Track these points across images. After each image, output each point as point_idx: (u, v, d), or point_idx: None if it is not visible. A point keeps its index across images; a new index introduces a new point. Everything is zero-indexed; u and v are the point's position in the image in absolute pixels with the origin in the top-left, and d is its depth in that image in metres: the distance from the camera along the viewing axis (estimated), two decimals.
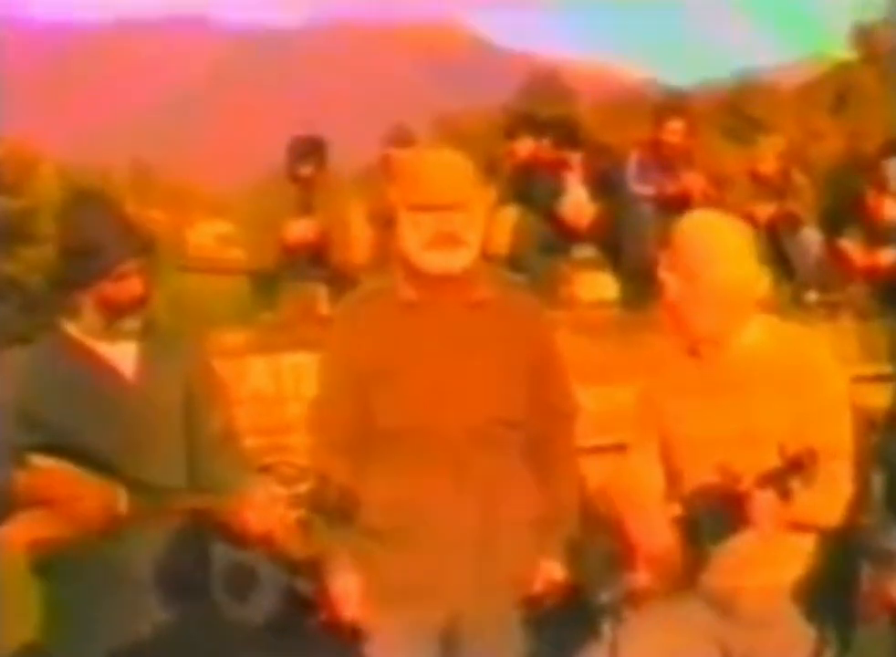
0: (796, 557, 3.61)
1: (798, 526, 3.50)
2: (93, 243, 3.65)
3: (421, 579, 3.71)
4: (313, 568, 6.18)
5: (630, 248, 8.63)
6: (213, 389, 3.95)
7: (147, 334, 3.79)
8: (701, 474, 3.58)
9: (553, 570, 3.88)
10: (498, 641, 3.79)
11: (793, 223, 8.28)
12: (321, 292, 8.83)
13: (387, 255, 8.80)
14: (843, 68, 43.79)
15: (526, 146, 9.13)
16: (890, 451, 3.62)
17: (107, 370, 3.71)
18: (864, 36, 44.26)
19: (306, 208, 8.73)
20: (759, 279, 3.65)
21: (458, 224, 3.72)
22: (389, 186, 8.88)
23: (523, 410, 3.82)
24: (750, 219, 8.60)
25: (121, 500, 3.39)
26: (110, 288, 3.66)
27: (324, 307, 8.75)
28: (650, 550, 3.57)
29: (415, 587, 3.71)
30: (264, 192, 9.17)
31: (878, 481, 3.72)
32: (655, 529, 3.58)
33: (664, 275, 3.65)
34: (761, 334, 3.71)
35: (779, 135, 9.17)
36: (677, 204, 8.69)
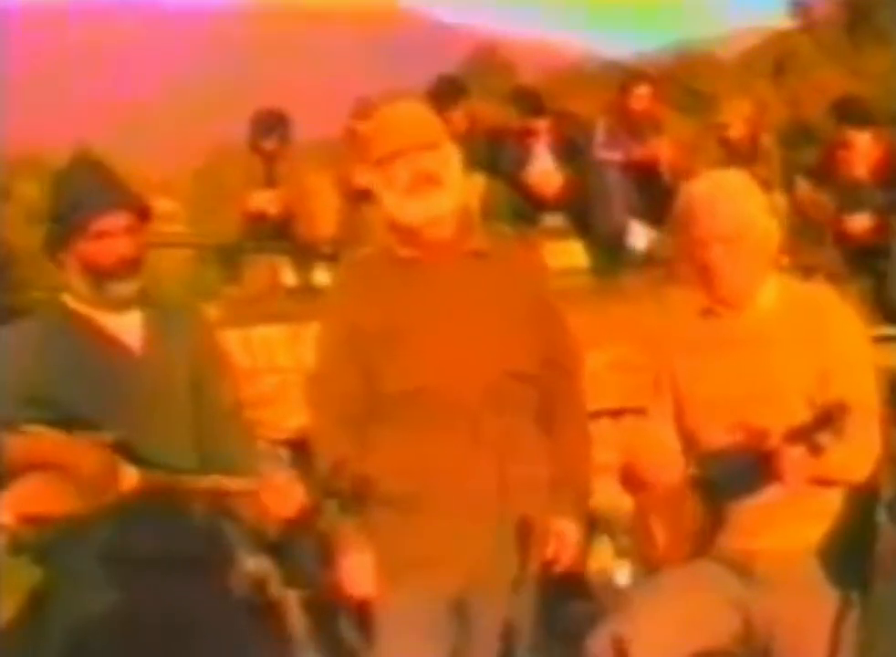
0: (815, 518, 3.58)
1: (827, 482, 3.48)
2: (69, 197, 3.59)
3: (438, 546, 3.62)
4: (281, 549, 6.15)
5: (598, 215, 8.59)
6: (220, 362, 3.85)
7: (147, 303, 3.69)
8: (718, 434, 3.56)
9: (566, 530, 3.79)
10: (519, 604, 3.70)
11: (763, 187, 8.24)
12: (285, 264, 8.78)
13: (352, 227, 8.80)
14: (781, 37, 43.99)
15: (461, 114, 9.00)
16: None
17: (113, 344, 3.61)
18: (801, 5, 44.53)
19: (269, 181, 8.68)
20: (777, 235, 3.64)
21: (431, 162, 3.66)
22: (353, 158, 8.93)
23: (533, 362, 3.75)
24: None
25: (131, 477, 3.30)
26: (92, 247, 3.56)
27: (289, 280, 8.70)
28: (661, 489, 3.57)
29: (431, 554, 3.63)
30: (227, 165, 9.08)
31: None
32: (665, 469, 3.61)
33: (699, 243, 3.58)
34: (778, 292, 3.68)
35: (743, 99, 9.11)
36: (645, 170, 8.68)
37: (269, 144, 8.67)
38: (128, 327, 3.65)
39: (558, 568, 3.78)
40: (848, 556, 3.55)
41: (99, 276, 3.57)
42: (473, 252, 3.72)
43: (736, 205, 3.59)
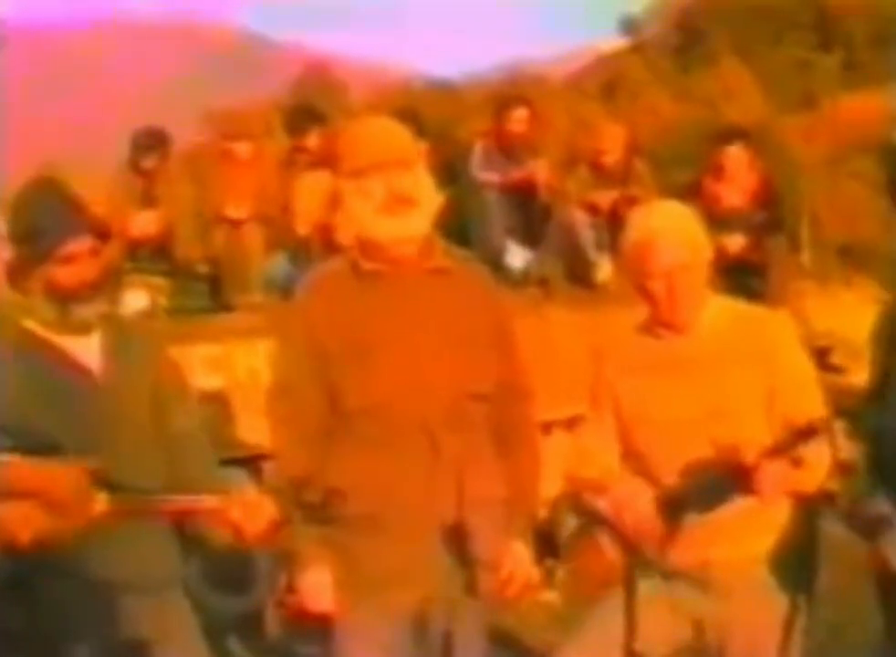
0: (765, 527, 3.72)
1: (796, 494, 3.64)
2: (34, 223, 3.56)
3: (396, 565, 3.64)
4: None
5: (477, 236, 8.72)
6: (179, 383, 3.86)
7: (107, 326, 3.68)
8: (670, 453, 3.67)
9: (520, 551, 3.82)
10: (470, 622, 3.77)
11: (636, 207, 8.46)
12: (163, 285, 8.74)
13: (229, 246, 8.86)
14: (611, 58, 44.74)
15: (316, 139, 9.11)
16: (870, 421, 3.76)
17: (74, 368, 3.60)
18: (631, 26, 45.34)
19: (149, 201, 8.67)
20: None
21: (407, 181, 3.67)
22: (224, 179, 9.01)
23: (490, 382, 3.78)
24: (591, 207, 8.85)
25: (100, 501, 3.30)
26: (59, 272, 3.54)
27: (165, 301, 8.66)
28: (633, 525, 3.66)
29: (389, 573, 3.65)
30: (110, 185, 9.03)
31: (857, 449, 3.86)
32: (637, 503, 3.67)
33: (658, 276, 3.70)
34: (716, 312, 3.81)
35: (620, 126, 9.35)
36: (522, 191, 8.87)
37: (149, 163, 8.69)
38: (88, 350, 3.63)
39: (512, 589, 3.81)
40: (795, 562, 3.71)
41: (64, 299, 3.56)
42: (435, 269, 3.75)
43: (692, 233, 3.75)
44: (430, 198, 3.73)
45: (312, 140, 9.07)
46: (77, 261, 3.57)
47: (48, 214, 3.57)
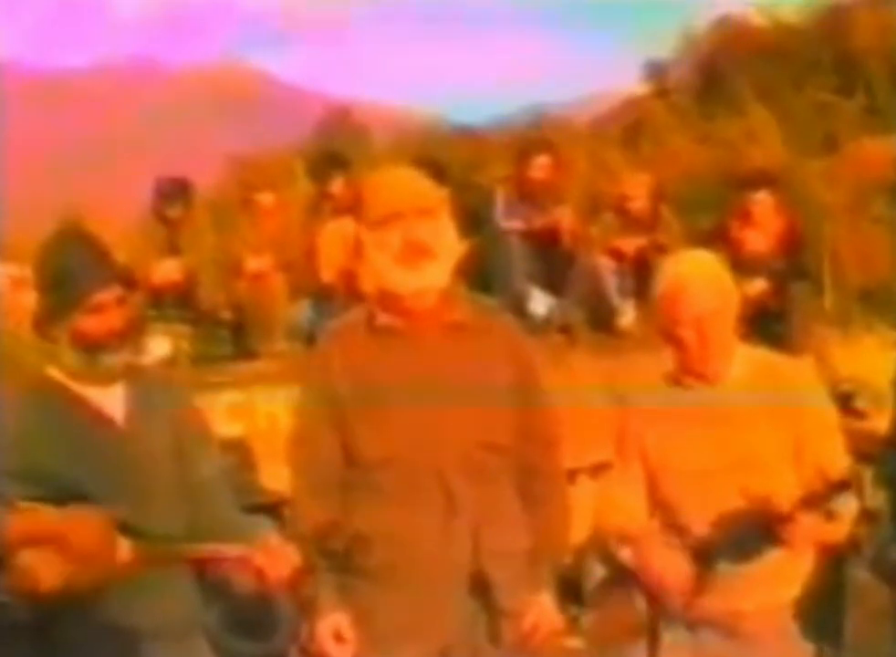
0: (793, 576, 3.72)
1: (819, 544, 3.64)
2: (63, 272, 3.56)
3: (414, 615, 3.62)
4: None
5: (500, 283, 8.73)
6: (202, 431, 3.87)
7: (132, 375, 3.69)
8: (700, 504, 3.67)
9: (544, 602, 3.79)
10: None
11: (663, 253, 8.48)
12: (186, 333, 8.77)
13: (254, 294, 8.90)
14: (634, 103, 44.74)
15: (341, 185, 9.17)
16: (892, 467, 3.76)
17: (98, 417, 3.61)
18: (655, 71, 45.36)
19: (173, 249, 8.72)
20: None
21: (425, 232, 3.62)
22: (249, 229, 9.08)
23: (509, 433, 3.75)
24: (616, 253, 8.85)
25: (124, 549, 3.32)
26: (86, 322, 3.56)
27: (188, 348, 8.68)
28: (666, 581, 3.65)
29: (408, 623, 3.63)
30: (133, 232, 9.12)
31: (882, 497, 3.86)
32: (671, 561, 3.66)
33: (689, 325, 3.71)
34: (742, 362, 3.81)
35: (646, 173, 9.37)
36: (546, 239, 8.88)
37: (173, 212, 8.75)
38: (111, 399, 3.64)
39: (537, 639, 3.77)
40: (822, 610, 3.71)
41: (91, 348, 3.57)
42: (453, 323, 3.72)
43: (721, 281, 3.77)
44: (450, 249, 3.69)
45: (336, 186, 9.12)
46: (104, 310, 3.58)
47: (77, 264, 3.58)
